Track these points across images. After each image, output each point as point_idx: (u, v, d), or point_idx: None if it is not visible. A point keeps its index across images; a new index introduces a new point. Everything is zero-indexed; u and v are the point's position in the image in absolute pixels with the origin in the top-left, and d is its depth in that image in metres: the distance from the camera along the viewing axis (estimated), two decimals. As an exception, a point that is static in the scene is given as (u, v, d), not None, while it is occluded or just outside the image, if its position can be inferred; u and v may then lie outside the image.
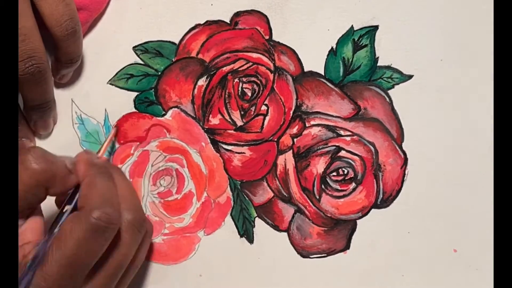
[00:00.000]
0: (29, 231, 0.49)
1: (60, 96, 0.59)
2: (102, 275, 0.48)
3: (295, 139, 0.58)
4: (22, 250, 0.47)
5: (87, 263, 0.46)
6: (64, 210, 0.49)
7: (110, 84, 0.59)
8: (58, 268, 0.44)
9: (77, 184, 0.50)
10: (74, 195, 0.50)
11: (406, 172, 0.58)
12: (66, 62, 0.56)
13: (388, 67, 0.58)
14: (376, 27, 0.58)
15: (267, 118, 0.58)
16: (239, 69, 0.59)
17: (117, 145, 0.59)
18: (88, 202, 0.47)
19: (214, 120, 0.59)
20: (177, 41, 0.59)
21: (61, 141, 0.59)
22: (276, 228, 0.58)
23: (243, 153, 0.58)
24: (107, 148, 0.57)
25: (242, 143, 0.59)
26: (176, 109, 0.59)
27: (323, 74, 0.58)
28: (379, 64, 0.58)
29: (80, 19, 0.56)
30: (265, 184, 0.58)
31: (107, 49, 0.60)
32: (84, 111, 0.59)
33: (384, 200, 0.58)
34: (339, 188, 0.58)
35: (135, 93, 0.59)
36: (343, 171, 0.58)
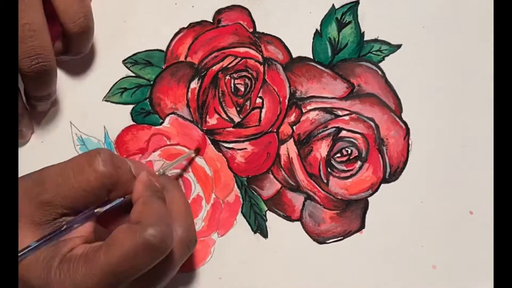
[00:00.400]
0: (80, 227, 0.48)
1: (59, 119, 0.59)
2: (140, 284, 0.48)
3: (294, 127, 0.58)
4: (71, 242, 0.47)
5: (130, 276, 0.45)
6: (95, 211, 0.49)
7: (105, 100, 0.59)
8: (100, 272, 0.44)
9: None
10: (109, 202, 0.49)
11: (410, 142, 0.57)
12: (75, 54, 0.57)
13: (376, 40, 0.57)
14: (357, 2, 0.57)
15: (263, 110, 0.58)
16: (229, 66, 0.58)
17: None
18: (144, 218, 0.46)
19: (212, 121, 0.58)
20: (164, 48, 0.59)
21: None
22: (289, 218, 0.58)
23: (245, 148, 0.58)
24: (172, 166, 0.57)
25: (242, 139, 0.58)
26: (173, 115, 0.59)
27: (311, 57, 0.58)
28: (366, 38, 0.57)
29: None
30: (271, 176, 0.58)
31: (98, 67, 0.60)
32: (83, 132, 0.59)
33: (392, 174, 0.57)
34: (345, 169, 0.57)
35: (131, 106, 0.59)
36: (347, 151, 0.58)
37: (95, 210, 0.49)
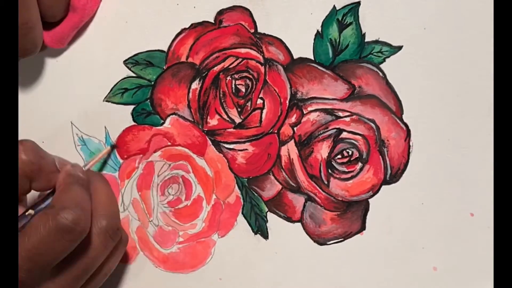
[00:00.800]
0: None
1: (59, 119, 0.60)
2: (67, 274, 0.48)
3: (295, 128, 0.58)
4: None
5: (48, 260, 0.46)
6: (26, 214, 0.49)
7: (106, 101, 0.59)
8: (19, 260, 0.45)
9: (50, 192, 0.51)
10: (41, 202, 0.50)
11: (410, 144, 0.57)
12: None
13: (377, 42, 0.57)
14: (358, 3, 0.57)
15: (264, 111, 0.58)
16: (230, 66, 0.58)
17: (120, 160, 0.59)
18: (58, 203, 0.48)
19: (213, 121, 0.58)
20: (165, 49, 0.59)
21: (65, 165, 0.60)
22: (289, 219, 0.58)
23: (246, 149, 0.58)
24: (94, 164, 0.58)
25: (243, 140, 0.58)
26: (174, 116, 0.59)
27: (312, 58, 0.57)
28: (366, 40, 0.57)
29: (73, 21, 0.57)
30: (272, 177, 0.58)
31: (99, 67, 0.60)
32: (84, 132, 0.60)
33: (393, 175, 0.57)
34: (346, 170, 0.57)
35: (132, 106, 0.59)
36: (348, 152, 0.57)
37: (27, 214, 0.49)
